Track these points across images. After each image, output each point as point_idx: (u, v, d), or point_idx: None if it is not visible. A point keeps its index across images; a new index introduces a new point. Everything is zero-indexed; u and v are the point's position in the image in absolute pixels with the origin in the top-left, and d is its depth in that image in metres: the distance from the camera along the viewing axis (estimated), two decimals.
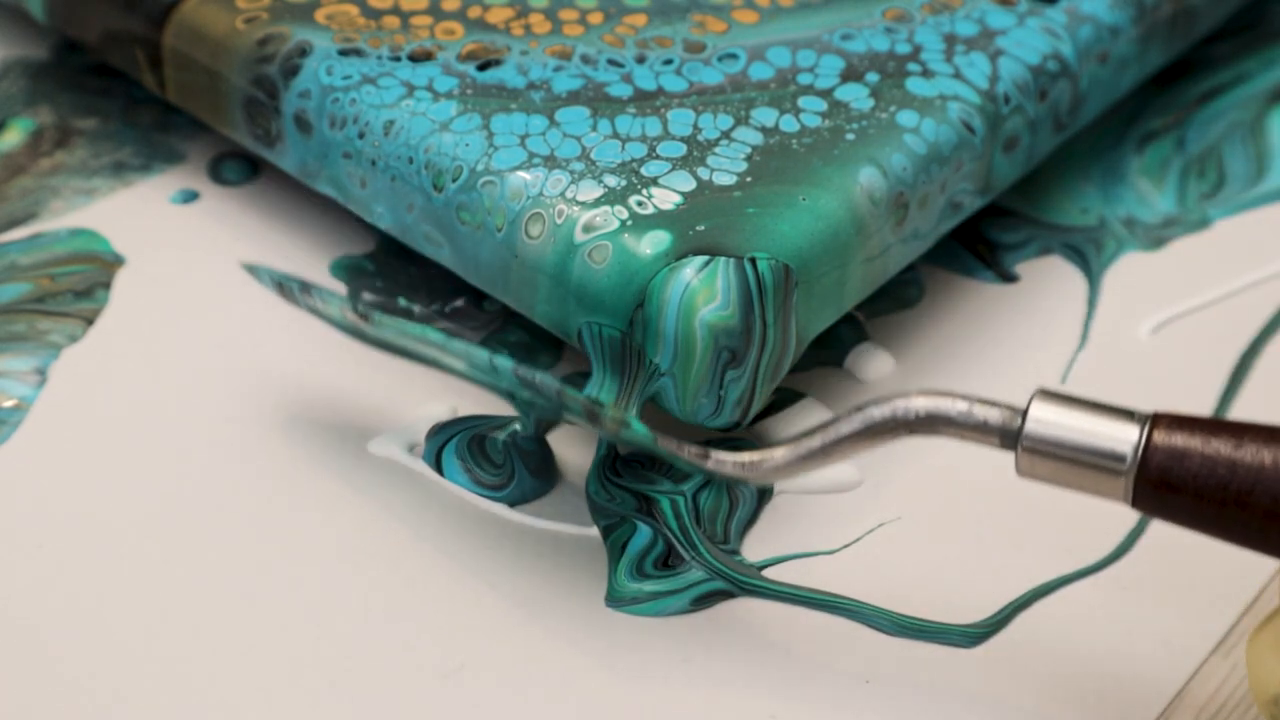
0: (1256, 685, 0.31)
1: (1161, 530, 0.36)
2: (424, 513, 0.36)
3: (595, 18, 0.39)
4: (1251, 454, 0.30)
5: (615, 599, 0.34)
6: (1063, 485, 0.31)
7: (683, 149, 0.37)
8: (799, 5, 0.40)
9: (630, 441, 0.33)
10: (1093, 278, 0.41)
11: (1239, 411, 0.38)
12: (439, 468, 0.36)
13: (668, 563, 0.35)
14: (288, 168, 0.39)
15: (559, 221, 0.35)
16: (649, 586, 0.35)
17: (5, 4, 0.44)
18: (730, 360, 0.34)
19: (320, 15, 0.39)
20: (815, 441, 0.32)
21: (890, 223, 0.37)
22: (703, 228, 0.35)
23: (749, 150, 0.37)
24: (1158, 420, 0.31)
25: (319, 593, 0.34)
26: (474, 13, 0.39)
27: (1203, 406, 0.38)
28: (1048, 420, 0.31)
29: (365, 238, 0.41)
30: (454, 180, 0.36)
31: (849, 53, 0.39)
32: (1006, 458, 0.32)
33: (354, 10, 0.39)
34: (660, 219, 0.35)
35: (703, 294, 0.34)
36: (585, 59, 0.38)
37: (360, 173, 0.38)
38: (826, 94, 0.38)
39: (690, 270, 0.34)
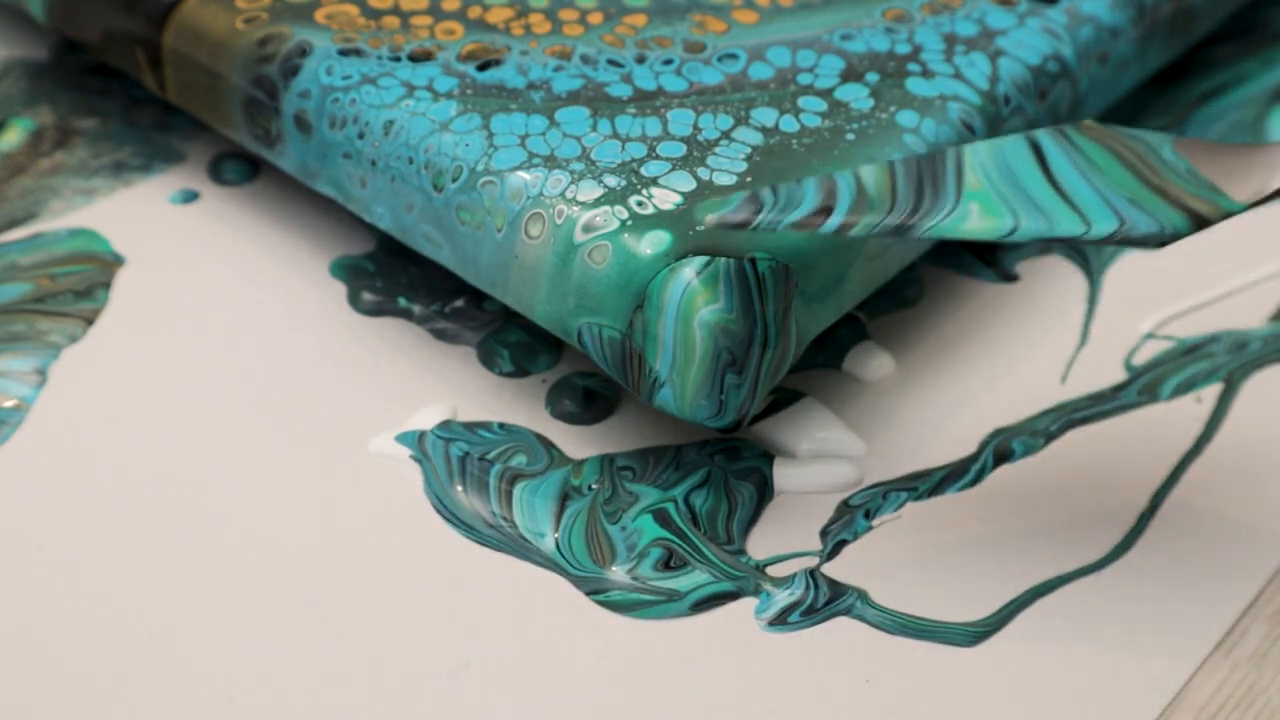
0: None
1: (1161, 530, 0.36)
2: (425, 512, 0.36)
3: (595, 18, 0.39)
4: None
5: (615, 605, 0.34)
6: None
7: (683, 149, 0.37)
8: (799, 5, 0.40)
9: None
10: (1093, 277, 0.41)
11: (1238, 411, 0.38)
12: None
13: (669, 565, 0.35)
14: (288, 168, 0.39)
15: (559, 222, 0.35)
16: (648, 593, 0.35)
17: (5, 4, 0.44)
18: (730, 361, 0.34)
19: (320, 15, 0.39)
20: None
21: None
22: (703, 228, 0.35)
23: (749, 150, 0.37)
24: None
25: (320, 593, 0.34)
26: (474, 13, 0.39)
27: (1202, 407, 0.38)
28: None
29: (365, 238, 0.41)
30: (454, 180, 0.36)
31: (849, 53, 0.39)
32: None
33: (354, 10, 0.39)
34: (660, 219, 0.35)
35: (703, 294, 0.34)
36: (585, 59, 0.38)
37: (360, 173, 0.38)
38: (826, 94, 0.38)
39: (690, 270, 0.34)
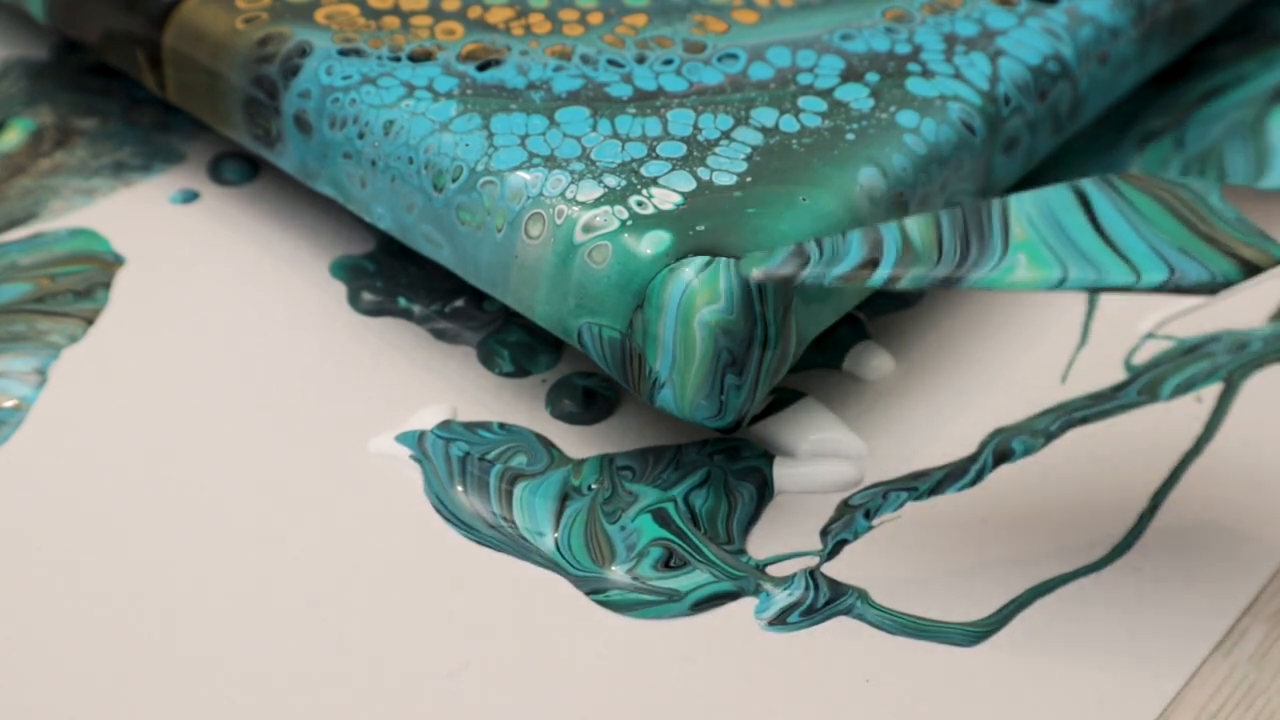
0: None
1: (1161, 530, 0.36)
2: (425, 512, 0.36)
3: (595, 18, 0.39)
4: None
5: (615, 605, 0.34)
6: None
7: (683, 149, 0.37)
8: (799, 5, 0.40)
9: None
10: None
11: (1238, 411, 0.38)
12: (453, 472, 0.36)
13: (669, 565, 0.35)
14: (288, 168, 0.39)
15: (559, 222, 0.35)
16: (648, 593, 0.35)
17: (5, 4, 0.44)
18: (730, 361, 0.34)
19: (320, 15, 0.39)
20: None
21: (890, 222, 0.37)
22: (703, 228, 0.35)
23: (749, 150, 0.37)
24: None
25: (320, 593, 0.34)
26: (474, 13, 0.39)
27: (1202, 407, 0.38)
28: None
29: (365, 238, 0.41)
30: (454, 180, 0.36)
31: (849, 53, 0.39)
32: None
33: (354, 10, 0.39)
34: (660, 219, 0.35)
35: (703, 294, 0.34)
36: (585, 59, 0.38)
37: (360, 173, 0.38)
38: (826, 94, 0.38)
39: (690, 271, 0.34)
